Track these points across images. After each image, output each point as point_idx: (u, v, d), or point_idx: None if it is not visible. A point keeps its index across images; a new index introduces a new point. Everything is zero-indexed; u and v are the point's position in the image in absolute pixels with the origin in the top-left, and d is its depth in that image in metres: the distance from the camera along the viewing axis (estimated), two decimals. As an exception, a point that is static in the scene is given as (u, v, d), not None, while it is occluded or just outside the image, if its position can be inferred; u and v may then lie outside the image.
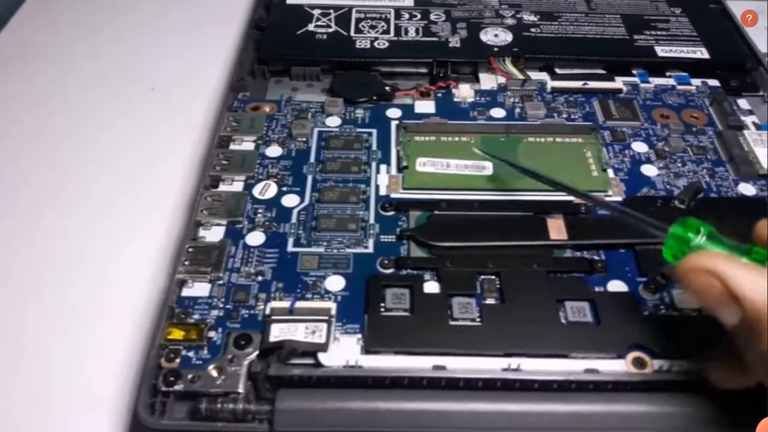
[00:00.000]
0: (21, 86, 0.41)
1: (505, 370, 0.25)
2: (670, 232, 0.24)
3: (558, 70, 0.39)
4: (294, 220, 0.30)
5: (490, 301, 0.27)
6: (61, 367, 0.28)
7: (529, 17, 0.43)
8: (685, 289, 0.22)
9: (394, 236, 0.30)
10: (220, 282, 0.28)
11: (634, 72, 0.39)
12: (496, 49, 0.40)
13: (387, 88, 0.38)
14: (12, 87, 0.41)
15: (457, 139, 0.34)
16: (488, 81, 0.39)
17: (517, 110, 0.37)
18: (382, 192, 0.32)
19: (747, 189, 0.32)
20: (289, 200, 0.31)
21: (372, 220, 0.31)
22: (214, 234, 0.30)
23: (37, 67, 0.43)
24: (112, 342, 0.28)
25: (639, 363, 0.25)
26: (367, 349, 0.25)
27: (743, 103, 0.38)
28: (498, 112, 0.36)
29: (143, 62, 0.43)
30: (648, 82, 0.39)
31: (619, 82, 0.38)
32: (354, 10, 0.43)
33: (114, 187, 0.35)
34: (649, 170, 0.33)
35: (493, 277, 0.28)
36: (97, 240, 0.33)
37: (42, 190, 0.35)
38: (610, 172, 0.33)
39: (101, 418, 0.26)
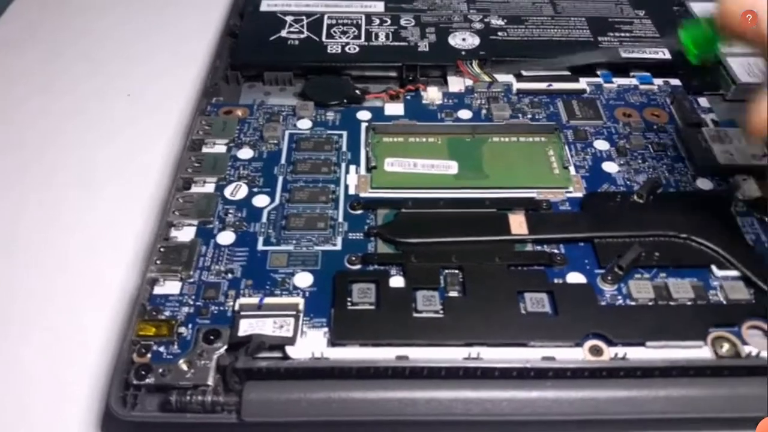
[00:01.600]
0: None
1: (466, 359, 0.26)
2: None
3: (524, 72, 0.40)
4: (264, 219, 0.31)
5: (453, 294, 0.28)
6: (34, 361, 0.28)
7: (496, 21, 0.44)
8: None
9: (362, 234, 0.31)
10: (191, 280, 0.28)
11: (599, 73, 0.40)
12: (463, 52, 0.41)
13: (357, 91, 0.38)
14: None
15: (424, 140, 0.35)
16: (456, 84, 0.40)
17: (483, 111, 0.38)
18: (351, 191, 0.33)
19: (705, 183, 0.33)
20: (260, 200, 0.32)
21: (341, 219, 0.31)
22: (185, 234, 0.30)
23: (13, 73, 0.44)
24: (85, 337, 0.29)
25: (596, 351, 0.26)
26: (333, 342, 0.26)
27: (703, 101, 0.39)
28: (465, 114, 0.37)
29: (119, 68, 0.44)
30: (611, 82, 0.40)
31: (583, 83, 0.39)
32: (326, 16, 0.44)
33: (89, 189, 0.36)
34: (609, 167, 0.34)
35: (456, 271, 0.29)
36: (70, 239, 0.33)
37: (16, 189, 0.36)
38: (572, 170, 0.34)
39: (74, 411, 0.27)
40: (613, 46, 0.42)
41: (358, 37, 0.42)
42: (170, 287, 0.28)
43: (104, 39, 0.47)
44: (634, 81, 0.40)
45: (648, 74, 0.40)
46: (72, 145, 0.38)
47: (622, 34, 0.43)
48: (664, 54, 0.41)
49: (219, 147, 0.35)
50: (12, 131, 0.39)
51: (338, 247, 0.30)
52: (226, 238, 0.30)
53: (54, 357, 0.28)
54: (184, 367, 0.25)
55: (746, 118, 0.25)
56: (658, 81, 0.40)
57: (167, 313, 0.27)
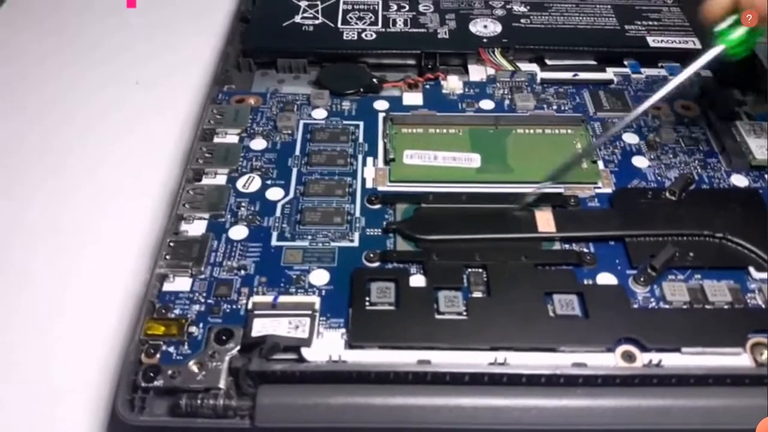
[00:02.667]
0: (5, 79, 0.41)
1: (491, 364, 0.24)
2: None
3: (548, 61, 0.39)
4: (278, 213, 0.30)
5: (477, 294, 0.27)
6: (38, 362, 0.27)
7: (518, 8, 0.42)
8: None
9: (380, 230, 0.29)
10: (202, 276, 0.27)
11: (626, 63, 0.39)
12: (485, 40, 0.39)
13: (374, 80, 0.37)
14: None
15: (445, 131, 0.34)
16: (477, 72, 0.38)
17: (507, 102, 0.36)
18: (369, 185, 0.31)
19: (739, 180, 0.32)
20: (274, 193, 0.31)
21: (358, 214, 0.30)
22: (196, 228, 0.29)
23: (20, 60, 0.42)
24: (90, 337, 0.28)
25: (628, 357, 0.25)
26: (351, 344, 0.25)
27: (736, 93, 0.37)
28: (487, 104, 0.36)
29: (126, 55, 0.42)
30: (639, 72, 0.38)
31: (610, 73, 0.38)
32: (341, 1, 0.43)
33: (96, 181, 0.35)
34: (639, 162, 0.33)
35: (480, 270, 0.28)
36: (77, 233, 0.32)
37: (25, 182, 0.35)
38: (600, 164, 0.32)
39: (79, 414, 0.25)
40: (640, 34, 0.40)
41: (375, 23, 0.41)
42: (180, 284, 0.27)
43: (112, 25, 0.45)
44: (662, 72, 0.39)
45: (677, 64, 0.39)
46: (77, 134, 0.37)
47: (650, 23, 0.41)
48: (694, 44, 0.39)
49: (231, 137, 0.34)
50: (16, 119, 0.38)
51: (355, 244, 0.29)
52: (238, 232, 0.29)
53: (58, 358, 0.27)
54: (195, 368, 0.24)
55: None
56: (688, 72, 0.38)
57: (177, 312, 0.26)
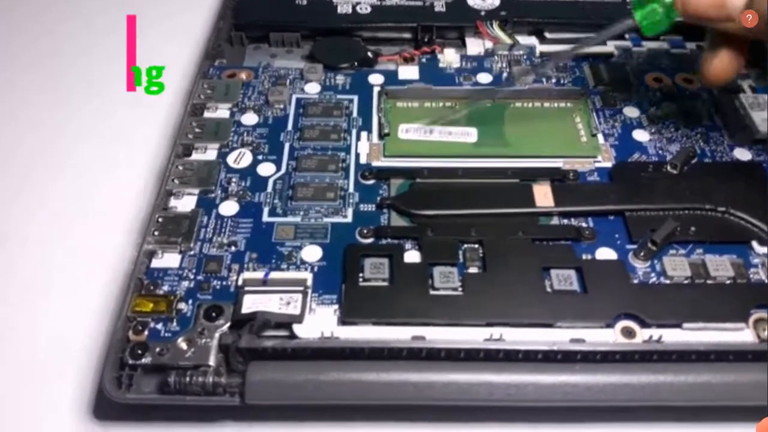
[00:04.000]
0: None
1: (487, 340, 0.24)
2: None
3: (547, 35, 0.38)
4: (270, 189, 0.29)
5: (473, 270, 0.26)
6: (24, 339, 0.27)
7: (518, -20, 0.41)
8: None
9: (374, 205, 0.29)
10: (191, 253, 0.27)
11: (626, 36, 0.38)
12: (483, 13, 0.39)
13: (369, 53, 0.36)
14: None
15: (441, 105, 0.33)
16: (475, 46, 0.37)
17: (505, 75, 0.35)
18: (363, 160, 0.31)
19: (742, 154, 0.31)
20: (265, 169, 0.30)
21: (351, 189, 0.29)
22: (185, 203, 0.29)
23: (13, 41, 0.42)
24: (78, 314, 0.27)
25: (628, 333, 0.24)
26: (343, 320, 0.24)
27: (739, 66, 0.36)
28: (485, 78, 0.35)
29: (115, 27, 0.41)
30: (640, 46, 0.37)
31: (610, 46, 0.37)
32: (336, -26, 0.42)
33: (84, 156, 0.34)
34: (640, 135, 0.32)
35: (476, 245, 0.27)
36: (64, 209, 0.32)
37: (11, 157, 0.34)
38: (600, 138, 0.32)
39: (64, 392, 0.25)
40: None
41: (370, -4, 0.40)
42: (169, 260, 0.27)
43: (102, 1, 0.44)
44: (664, 45, 0.38)
45: (679, 37, 0.38)
46: (65, 109, 0.37)
47: (652, -5, 0.40)
48: (697, 16, 0.39)
49: (222, 112, 0.33)
50: (7, 96, 0.38)
51: (349, 219, 0.28)
52: (229, 208, 0.28)
53: (44, 335, 0.27)
54: (184, 345, 0.24)
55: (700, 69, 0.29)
56: (690, 45, 0.38)
57: (165, 288, 0.26)
